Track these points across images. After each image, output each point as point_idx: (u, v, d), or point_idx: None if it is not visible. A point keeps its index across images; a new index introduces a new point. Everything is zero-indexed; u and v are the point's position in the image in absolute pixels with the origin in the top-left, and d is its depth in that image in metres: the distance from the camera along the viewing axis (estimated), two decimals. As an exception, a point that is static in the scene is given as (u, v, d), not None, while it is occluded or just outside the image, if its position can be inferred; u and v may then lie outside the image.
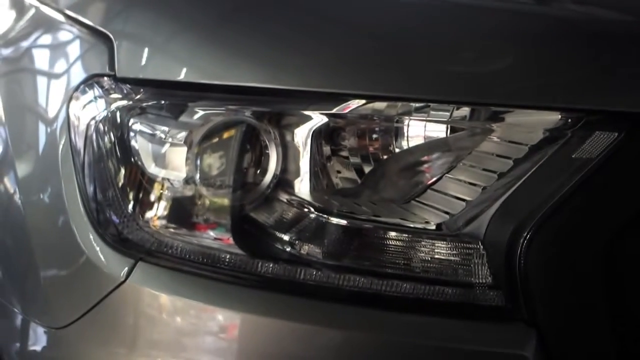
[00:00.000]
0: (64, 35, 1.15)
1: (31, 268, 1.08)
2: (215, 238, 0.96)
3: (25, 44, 1.21)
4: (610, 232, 0.88)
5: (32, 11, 1.24)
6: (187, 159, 0.95)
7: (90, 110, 1.00)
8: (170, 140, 0.96)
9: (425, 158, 0.94)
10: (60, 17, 1.16)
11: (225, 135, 0.95)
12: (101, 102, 1.00)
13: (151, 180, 0.98)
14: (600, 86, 0.90)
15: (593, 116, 0.88)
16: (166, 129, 0.96)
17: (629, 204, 0.88)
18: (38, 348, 1.10)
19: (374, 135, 0.94)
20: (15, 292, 1.13)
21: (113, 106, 0.98)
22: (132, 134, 0.98)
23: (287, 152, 0.96)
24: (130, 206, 0.98)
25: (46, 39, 1.19)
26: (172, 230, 0.98)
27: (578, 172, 0.87)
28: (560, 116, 0.88)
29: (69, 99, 1.02)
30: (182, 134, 0.96)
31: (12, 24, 1.27)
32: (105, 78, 1.00)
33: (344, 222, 0.94)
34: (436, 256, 0.92)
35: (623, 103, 0.88)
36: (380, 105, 0.92)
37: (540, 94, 0.90)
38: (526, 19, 0.98)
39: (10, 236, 1.13)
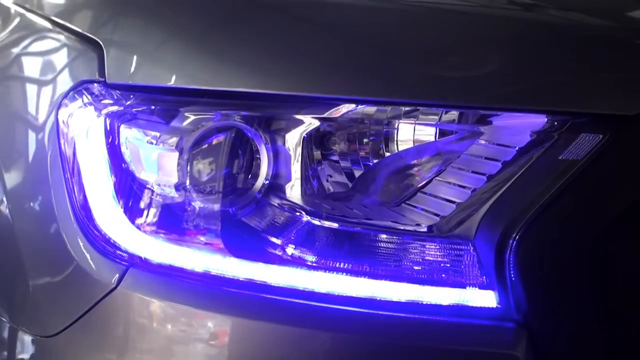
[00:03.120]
0: (51, 42, 1.15)
1: (19, 276, 1.07)
2: (207, 243, 0.96)
3: (11, 51, 1.20)
4: (597, 232, 0.89)
5: (17, 19, 1.23)
6: (178, 164, 0.95)
7: (79, 116, 1.00)
8: (161, 145, 0.96)
9: (415, 161, 0.95)
10: (47, 24, 1.16)
11: (216, 140, 0.96)
12: (91, 109, 0.99)
13: (142, 186, 0.98)
14: (585, 89, 0.91)
15: (578, 119, 0.89)
16: (157, 134, 0.96)
17: (614, 204, 0.89)
18: (26, 357, 1.08)
19: (364, 139, 0.95)
20: (3, 300, 1.12)
21: (103, 112, 0.98)
22: (122, 140, 0.98)
23: (278, 157, 0.96)
24: (121, 212, 0.98)
25: (33, 46, 1.18)
26: (163, 236, 0.97)
27: (565, 173, 0.88)
28: (546, 119, 0.90)
29: (58, 106, 1.02)
30: (173, 140, 0.96)
31: (-3, 32, 1.26)
32: (95, 84, 1.00)
33: (335, 225, 0.95)
34: (427, 258, 0.93)
35: (607, 106, 0.90)
36: (370, 109, 0.93)
37: (527, 97, 0.91)
38: (512, 24, 1.00)
39: (-3, 245, 1.13)
